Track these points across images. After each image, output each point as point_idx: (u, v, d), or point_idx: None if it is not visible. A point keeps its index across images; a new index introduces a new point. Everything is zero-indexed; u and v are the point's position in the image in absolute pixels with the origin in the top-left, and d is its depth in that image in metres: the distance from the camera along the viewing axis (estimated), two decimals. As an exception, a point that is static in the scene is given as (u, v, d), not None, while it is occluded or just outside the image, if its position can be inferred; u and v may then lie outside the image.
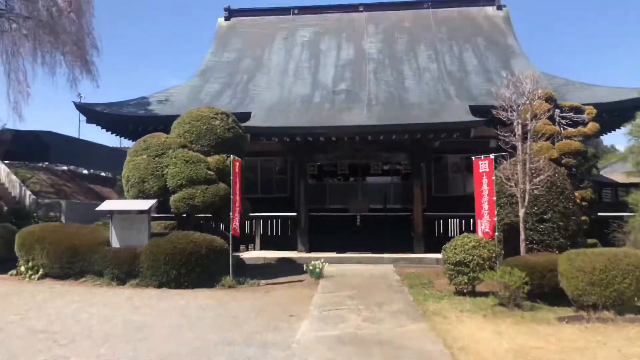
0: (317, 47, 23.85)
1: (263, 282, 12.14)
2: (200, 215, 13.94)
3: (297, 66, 22.48)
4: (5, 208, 20.59)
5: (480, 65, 21.32)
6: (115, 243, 12.08)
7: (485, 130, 17.65)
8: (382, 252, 16.68)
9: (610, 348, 6.52)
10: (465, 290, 10.11)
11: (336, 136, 16.52)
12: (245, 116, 17.60)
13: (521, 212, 10.37)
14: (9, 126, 24.45)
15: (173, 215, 13.70)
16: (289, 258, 16.32)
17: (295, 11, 26.52)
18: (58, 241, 12.15)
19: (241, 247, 18.60)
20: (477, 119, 15.44)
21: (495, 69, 20.82)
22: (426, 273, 13.41)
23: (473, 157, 11.40)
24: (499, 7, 25.31)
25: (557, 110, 15.26)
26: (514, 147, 10.82)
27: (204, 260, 11.52)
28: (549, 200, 10.97)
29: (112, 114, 19.31)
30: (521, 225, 10.35)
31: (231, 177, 12.02)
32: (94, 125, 19.78)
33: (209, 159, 12.93)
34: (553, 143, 14.63)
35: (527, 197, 10.36)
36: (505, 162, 11.27)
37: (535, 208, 10.90)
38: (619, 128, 17.80)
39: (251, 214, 17.11)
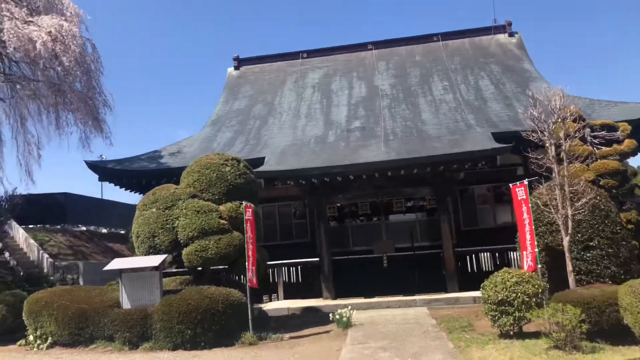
0: (328, 87, 23.50)
1: (287, 335, 11.16)
2: (216, 267, 13.16)
3: (309, 108, 22.06)
4: (22, 273, 20.10)
5: (498, 92, 20.61)
6: (125, 304, 11.28)
7: (511, 157, 16.80)
8: (412, 294, 15.57)
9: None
10: (511, 332, 9.01)
11: (354, 174, 15.75)
12: (259, 162, 17.06)
13: (565, 241, 9.34)
14: (24, 190, 24.24)
15: (187, 269, 12.93)
16: (314, 307, 15.30)
17: (304, 55, 26.40)
18: (65, 306, 11.40)
19: (264, 298, 17.65)
20: (503, 145, 14.57)
21: (515, 94, 20.08)
22: (464, 314, 12.27)
23: (510, 185, 10.48)
24: (511, 34, 24.82)
25: (588, 130, 14.30)
26: (549, 170, 9.90)
27: (221, 317, 10.63)
28: (593, 226, 9.92)
29: (123, 170, 18.92)
30: (567, 254, 9.30)
31: (244, 225, 11.24)
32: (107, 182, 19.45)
33: (221, 207, 12.22)
34: (587, 165, 13.62)
35: (570, 224, 9.35)
36: (540, 186, 10.32)
37: (579, 235, 9.85)
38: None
39: (272, 262, 16.34)
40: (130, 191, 20.77)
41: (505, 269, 9.55)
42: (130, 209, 32.35)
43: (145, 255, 12.15)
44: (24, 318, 12.03)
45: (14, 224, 24.64)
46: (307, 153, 17.76)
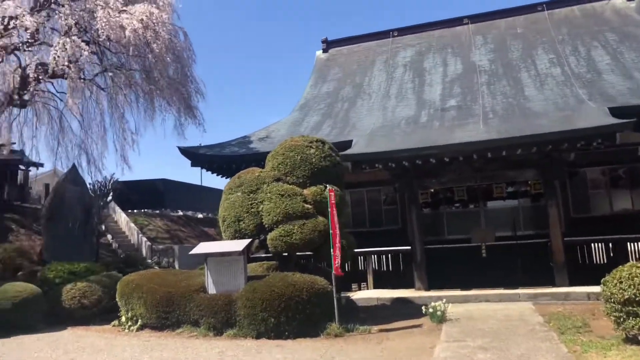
0: (420, 66, 22.20)
1: (375, 328, 10.42)
2: (302, 253, 12.69)
3: (400, 88, 20.96)
4: (122, 255, 21.04)
5: (614, 62, 18.26)
6: (211, 289, 11.10)
7: (631, 135, 14.73)
8: (515, 287, 14.17)
9: None
10: (640, 337, 7.62)
11: (449, 156, 14.55)
12: (347, 145, 16.35)
13: None
14: (121, 175, 25.43)
15: (274, 255, 12.57)
16: (405, 298, 14.42)
17: (395, 33, 25.16)
18: (154, 290, 11.44)
19: (353, 286, 17.04)
20: (625, 120, 12.71)
21: (635, 64, 17.67)
22: (577, 312, 10.83)
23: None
24: (629, -2, 22.00)
25: None
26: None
27: (306, 306, 10.10)
28: None
29: (213, 155, 19.04)
30: None
31: (328, 210, 10.60)
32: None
33: (305, 191, 11.67)
34: None
35: None
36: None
37: None
38: None
39: (361, 250, 15.67)
40: (222, 176, 20.90)
41: (632, 262, 8.09)
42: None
43: (231, 239, 11.94)
44: (117, 299, 12.29)
45: (117, 208, 26.00)
46: (398, 135, 16.78)
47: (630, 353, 7.16)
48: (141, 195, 27.03)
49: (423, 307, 11.25)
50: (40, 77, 15.50)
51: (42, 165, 24.68)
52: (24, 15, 13.28)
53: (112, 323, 12.34)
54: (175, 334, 10.88)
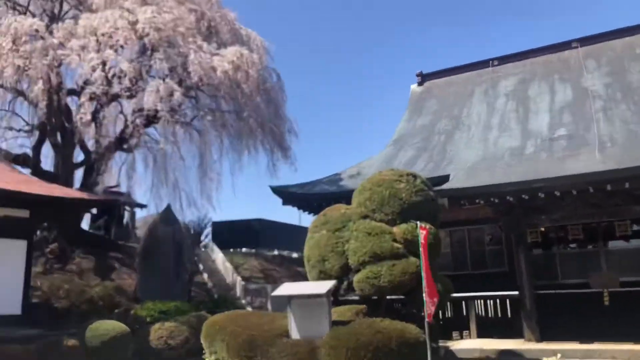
0: (524, 94, 20.59)
1: (477, 387, 9.06)
2: (394, 297, 11.68)
3: (502, 118, 19.51)
4: (216, 295, 21.10)
5: None
6: (294, 334, 10.35)
7: None
8: (648, 342, 11.98)
9: None
10: None
11: (560, 190, 12.91)
12: (444, 180, 15.21)
13: None
14: (214, 215, 25.98)
15: (362, 298, 11.66)
16: (514, 350, 12.73)
17: (495, 62, 23.75)
18: (236, 332, 10.90)
19: (454, 335, 15.51)
20: None
21: None
22: None
23: None
24: None
25: None
26: None
27: (395, 356, 9.03)
28: None
29: (304, 194, 18.73)
30: None
31: (419, 249, 9.56)
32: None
33: (395, 229, 10.74)
34: None
35: None
36: None
37: None
38: None
39: (462, 295, 14.33)
40: (313, 215, 20.56)
41: None
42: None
43: (315, 280, 11.26)
44: (202, 341, 11.94)
45: (214, 247, 26.54)
46: (500, 167, 15.37)
47: None
48: (237, 235, 27.42)
49: (535, 364, 9.70)
50: (140, 123, 16.25)
51: (145, 206, 25.90)
52: (122, 62, 13.99)
53: (197, 366, 11.99)
54: (256, 382, 10.21)
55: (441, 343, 13.83)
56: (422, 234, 9.72)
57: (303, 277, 25.63)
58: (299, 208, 19.60)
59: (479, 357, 12.64)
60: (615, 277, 14.21)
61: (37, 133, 19.37)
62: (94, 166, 19.72)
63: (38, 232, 22.80)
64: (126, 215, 27.93)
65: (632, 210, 13.46)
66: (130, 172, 19.99)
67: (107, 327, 12.07)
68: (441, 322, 15.78)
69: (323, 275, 11.03)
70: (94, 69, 13.47)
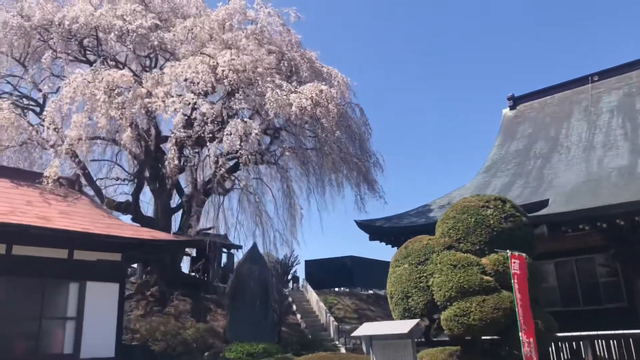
0: (632, 109, 18.66)
1: None
2: (490, 337, 10.54)
3: (606, 136, 17.71)
4: (309, 336, 20.65)
5: None
6: (378, 377, 9.61)
7: None
8: None
9: None
10: None
11: (682, 210, 11.23)
12: (542, 205, 13.89)
13: None
14: (317, 255, 25.74)
15: (452, 338, 10.65)
16: (640, 400, 10.93)
17: (595, 78, 21.92)
18: (317, 375, 10.38)
19: (568, 381, 13.74)
20: None
21: None
22: None
23: None
24: None
25: None
26: None
27: (491, 407, 7.99)
28: None
29: (391, 227, 17.95)
30: None
31: (512, 282, 8.53)
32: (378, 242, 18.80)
33: (484, 260, 9.75)
34: None
35: None
36: None
37: None
38: None
39: (578, 334, 12.75)
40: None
41: None
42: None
43: (400, 319, 10.45)
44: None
45: (308, 287, 26.22)
46: (607, 188, 13.76)
47: None
48: (330, 273, 27.01)
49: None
50: (228, 166, 16.65)
51: (240, 247, 26.31)
52: (203, 105, 14.42)
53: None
54: None
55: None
56: (514, 264, 8.70)
57: (399, 317, 24.62)
58: (386, 243, 18.81)
59: (598, 407, 10.99)
60: None
61: (136, 181, 20.48)
62: (190, 210, 20.40)
63: (142, 276, 23.97)
64: (224, 257, 28.59)
65: None
66: (225, 214, 20.51)
67: (191, 369, 12.01)
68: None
69: (407, 314, 10.22)
70: (175, 114, 14.03)
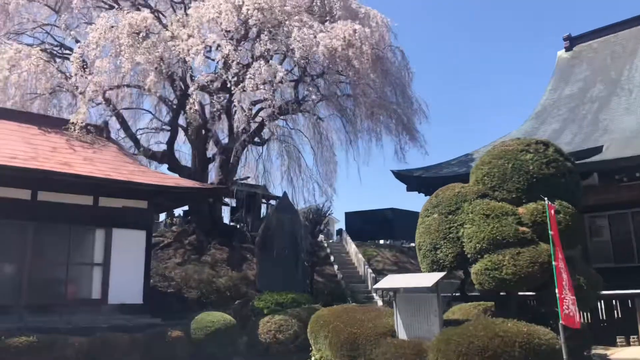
0: None
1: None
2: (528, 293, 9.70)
3: (673, 76, 15.88)
4: (343, 286, 20.34)
5: None
6: (400, 333, 9.02)
7: None
8: None
9: None
10: None
11: None
12: (594, 152, 12.63)
13: None
14: (358, 207, 25.27)
15: (483, 293, 9.88)
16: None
17: (665, 12, 19.68)
18: (339, 329, 9.86)
19: (618, 340, 12.79)
20: None
21: None
22: None
23: None
24: None
25: None
26: None
27: (519, 367, 7.24)
28: None
29: (430, 178, 16.98)
30: None
31: (549, 233, 7.58)
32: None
33: (520, 209, 8.79)
34: None
35: None
36: None
37: None
38: None
39: (629, 292, 11.78)
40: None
41: None
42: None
43: (428, 272, 9.72)
44: (308, 336, 11.11)
45: (348, 239, 25.84)
46: (671, 133, 12.29)
47: None
48: (371, 225, 26.46)
49: None
50: (265, 115, 16.08)
51: (278, 197, 26.05)
52: (226, 47, 13.61)
53: (305, 363, 11.18)
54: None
55: (601, 350, 11.41)
56: (551, 214, 7.72)
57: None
58: (425, 194, 17.87)
59: (646, 370, 10.06)
60: None
61: (170, 129, 20.25)
62: (228, 160, 20.11)
63: (180, 225, 24.17)
64: (263, 207, 28.45)
65: None
66: (264, 165, 20.31)
67: (212, 318, 11.72)
68: (604, 325, 13.19)
69: (436, 267, 9.46)
70: (196, 55, 13.34)
